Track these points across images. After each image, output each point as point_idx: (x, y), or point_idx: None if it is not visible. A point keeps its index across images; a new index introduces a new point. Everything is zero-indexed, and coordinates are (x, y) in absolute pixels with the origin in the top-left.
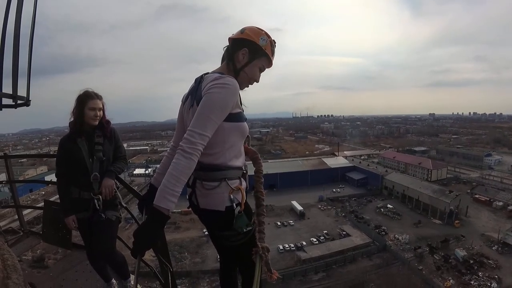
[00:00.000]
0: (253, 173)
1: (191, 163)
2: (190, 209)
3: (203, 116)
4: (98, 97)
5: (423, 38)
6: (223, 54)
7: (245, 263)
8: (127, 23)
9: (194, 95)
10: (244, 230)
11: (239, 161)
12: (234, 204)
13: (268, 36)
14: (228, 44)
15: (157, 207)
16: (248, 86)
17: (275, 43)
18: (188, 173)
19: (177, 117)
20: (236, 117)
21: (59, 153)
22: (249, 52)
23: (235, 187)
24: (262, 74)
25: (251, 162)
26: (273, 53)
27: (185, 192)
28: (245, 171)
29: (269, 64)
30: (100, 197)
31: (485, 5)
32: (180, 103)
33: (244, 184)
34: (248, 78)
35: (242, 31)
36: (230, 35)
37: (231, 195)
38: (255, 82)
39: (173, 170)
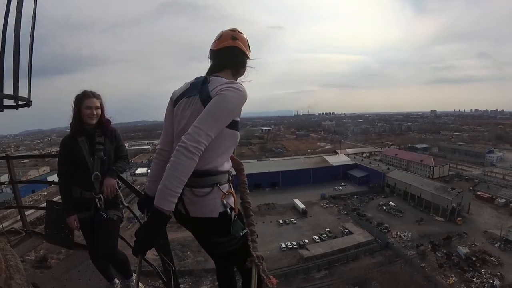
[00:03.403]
0: (239, 184)
1: (192, 164)
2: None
3: (213, 116)
4: (95, 96)
5: (426, 35)
6: (221, 60)
7: (243, 266)
8: (127, 21)
9: (199, 95)
10: (241, 234)
11: (228, 165)
12: (228, 209)
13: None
14: (222, 49)
15: (158, 207)
16: None
17: None
18: (189, 173)
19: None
20: (235, 125)
21: (61, 153)
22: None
23: (227, 191)
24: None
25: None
26: None
27: None
28: (230, 175)
29: None
30: (102, 196)
31: (488, 2)
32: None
33: (232, 188)
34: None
35: (234, 38)
36: (228, 41)
37: (224, 200)
38: None
39: (174, 171)
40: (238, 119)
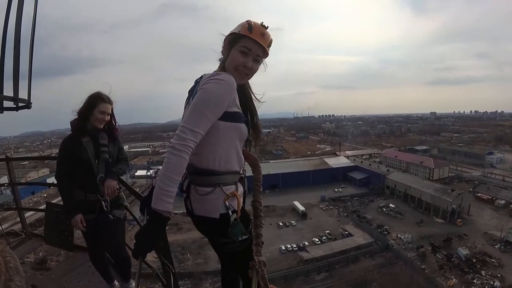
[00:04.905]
0: (252, 182)
1: (181, 161)
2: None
3: (195, 112)
4: (109, 101)
5: (425, 34)
6: None
7: (244, 270)
8: (127, 22)
9: (191, 95)
10: (240, 238)
11: (236, 165)
12: (230, 212)
13: (248, 21)
14: None
15: (154, 208)
16: (244, 78)
17: (263, 24)
18: (181, 171)
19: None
20: (233, 116)
21: (62, 153)
22: (228, 42)
23: (230, 193)
24: (260, 66)
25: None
26: (252, 30)
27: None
28: (243, 175)
29: (251, 42)
30: (108, 198)
31: (488, 1)
32: (183, 104)
33: (240, 189)
34: (233, 66)
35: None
36: None
37: (226, 202)
38: (245, 68)
39: (164, 170)
40: (237, 110)
